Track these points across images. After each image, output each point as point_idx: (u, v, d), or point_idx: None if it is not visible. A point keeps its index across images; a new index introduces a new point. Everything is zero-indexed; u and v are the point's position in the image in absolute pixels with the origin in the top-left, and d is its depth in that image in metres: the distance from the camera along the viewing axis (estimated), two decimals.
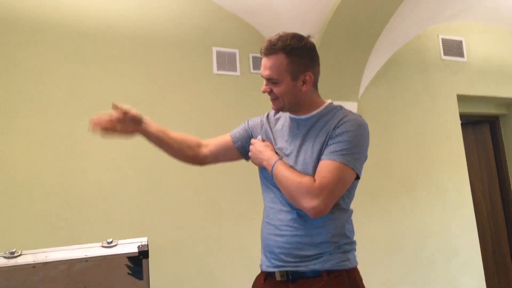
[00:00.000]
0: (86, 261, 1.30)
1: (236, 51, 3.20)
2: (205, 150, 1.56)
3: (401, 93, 3.71)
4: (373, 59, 3.36)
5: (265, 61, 1.36)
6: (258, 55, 3.20)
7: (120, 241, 1.40)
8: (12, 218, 2.45)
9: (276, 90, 1.36)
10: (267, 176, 1.41)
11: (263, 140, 1.46)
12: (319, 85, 1.44)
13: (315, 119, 1.38)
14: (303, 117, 1.40)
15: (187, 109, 2.98)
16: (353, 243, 1.37)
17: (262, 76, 1.38)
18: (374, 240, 3.35)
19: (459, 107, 3.93)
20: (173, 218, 2.82)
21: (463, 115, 4.08)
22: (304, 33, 1.40)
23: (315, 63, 1.38)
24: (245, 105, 3.14)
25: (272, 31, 2.91)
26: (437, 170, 3.71)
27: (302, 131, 1.39)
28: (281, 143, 1.42)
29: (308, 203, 1.24)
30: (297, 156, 1.35)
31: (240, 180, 3.01)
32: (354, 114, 1.37)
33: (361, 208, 3.29)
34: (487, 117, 4.41)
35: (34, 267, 1.26)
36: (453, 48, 3.97)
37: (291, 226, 1.33)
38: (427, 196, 3.63)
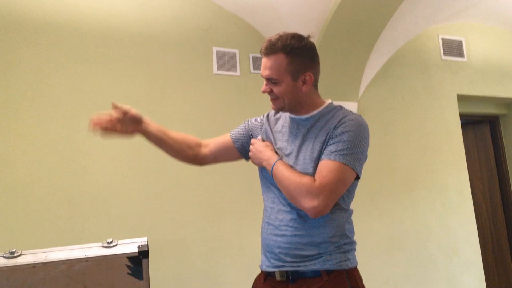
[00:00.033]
0: (86, 261, 1.30)
1: (236, 51, 3.20)
2: (205, 150, 1.56)
3: (401, 93, 3.71)
4: (373, 59, 3.36)
5: (265, 61, 1.36)
6: (258, 55, 3.20)
7: (120, 241, 1.40)
8: (12, 218, 2.45)
9: (276, 90, 1.36)
10: (267, 176, 1.41)
11: (263, 140, 1.46)
12: (319, 85, 1.44)
13: (315, 119, 1.38)
14: (303, 117, 1.40)
15: (187, 109, 2.98)
16: (353, 243, 1.37)
17: (262, 76, 1.38)
18: (375, 239, 3.35)
19: (459, 107, 3.93)
20: (173, 217, 2.82)
21: (463, 115, 4.08)
22: (304, 33, 1.39)
23: (315, 63, 1.38)
24: (245, 105, 3.14)
25: (272, 31, 2.92)
26: (437, 170, 3.71)
27: (302, 131, 1.39)
28: (281, 143, 1.42)
29: (308, 203, 1.24)
30: (297, 156, 1.35)
31: (241, 180, 3.01)
32: (354, 114, 1.37)
33: (361, 208, 3.29)
34: (487, 117, 4.41)
35: (34, 267, 1.27)
36: (453, 48, 3.97)
37: (291, 226, 1.33)
38: (428, 195, 3.63)
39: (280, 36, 1.34)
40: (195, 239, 2.85)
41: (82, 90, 2.73)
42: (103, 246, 1.37)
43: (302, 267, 1.30)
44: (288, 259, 1.32)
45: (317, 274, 1.29)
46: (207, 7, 3.16)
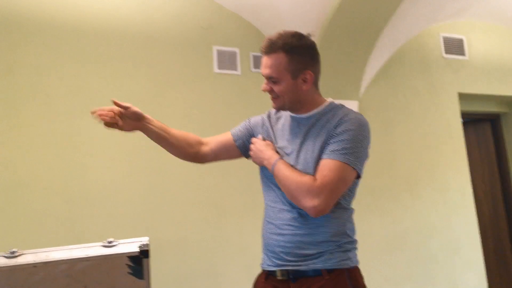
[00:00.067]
0: (87, 260, 1.30)
1: (237, 50, 3.20)
2: (205, 148, 1.55)
3: (402, 91, 3.71)
4: (374, 58, 3.35)
5: (265, 60, 1.35)
6: (259, 54, 3.18)
7: (120, 241, 1.40)
8: (13, 217, 2.45)
9: (276, 89, 1.36)
10: (268, 175, 1.41)
11: (264, 139, 1.46)
12: (320, 83, 1.43)
13: (315, 118, 1.38)
14: (303, 116, 1.40)
15: (187, 108, 2.98)
16: (354, 242, 1.37)
17: (262, 75, 1.38)
18: (376, 238, 3.35)
19: (460, 105, 3.92)
20: (174, 217, 2.82)
21: (465, 114, 4.08)
22: (305, 31, 1.39)
23: (315, 62, 1.38)
24: (246, 104, 3.14)
25: (272, 30, 2.91)
26: (438, 168, 3.71)
27: (302, 130, 1.38)
28: (282, 142, 1.42)
29: (309, 202, 1.24)
30: (297, 155, 1.35)
31: (241, 179, 3.01)
32: (355, 112, 1.36)
33: (362, 207, 3.28)
34: (489, 115, 4.40)
35: (35, 266, 1.27)
36: (454, 46, 3.97)
37: (292, 225, 1.33)
38: (429, 194, 3.63)
39: (280, 35, 1.34)
40: (196, 239, 2.84)
41: (82, 89, 2.73)
42: (103, 246, 1.37)
43: (303, 266, 1.30)
44: (289, 258, 1.31)
45: (318, 273, 1.28)
46: (207, 6, 3.15)
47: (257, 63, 3.21)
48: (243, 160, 1.61)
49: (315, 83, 1.40)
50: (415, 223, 3.53)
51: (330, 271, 1.28)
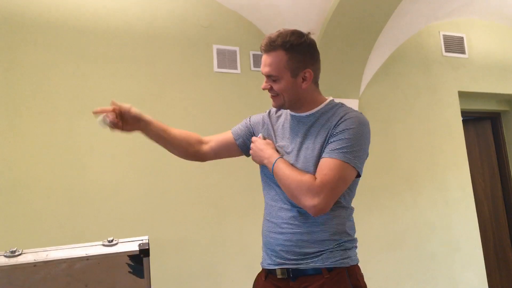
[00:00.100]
0: (87, 259, 1.30)
1: (237, 48, 3.19)
2: (206, 147, 1.55)
3: (402, 90, 3.70)
4: (374, 56, 3.35)
5: (264, 58, 1.35)
6: (259, 52, 3.18)
7: (121, 240, 1.40)
8: (13, 217, 2.46)
9: (276, 87, 1.36)
10: (268, 174, 1.41)
11: (264, 138, 1.45)
12: (320, 82, 1.43)
13: (316, 117, 1.38)
14: (303, 114, 1.40)
15: (187, 107, 2.98)
16: (354, 240, 1.37)
17: (262, 73, 1.38)
18: (376, 236, 3.35)
19: (460, 103, 3.92)
20: (174, 216, 2.82)
21: (465, 112, 4.07)
22: (305, 30, 1.39)
23: (315, 60, 1.38)
24: (246, 103, 3.14)
25: (272, 28, 2.91)
26: (438, 167, 3.71)
27: (303, 128, 1.38)
28: (282, 141, 1.42)
29: (309, 201, 1.24)
30: (298, 154, 1.35)
31: (242, 178, 3.01)
32: (355, 111, 1.36)
33: (363, 205, 3.28)
34: (489, 114, 4.40)
35: (35, 265, 1.27)
36: (454, 44, 3.96)
37: (291, 224, 1.33)
38: (429, 192, 3.63)
39: (280, 33, 1.34)
40: (196, 238, 2.85)
41: (83, 88, 2.73)
42: (104, 245, 1.38)
43: (303, 265, 1.30)
44: (289, 256, 1.32)
45: (318, 271, 1.29)
46: (207, 5, 3.15)
47: (257, 62, 3.21)
48: (243, 160, 1.61)
49: (315, 82, 1.40)
50: (415, 222, 3.53)
51: (330, 270, 1.28)
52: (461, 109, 3.92)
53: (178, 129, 1.54)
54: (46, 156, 2.58)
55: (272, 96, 1.40)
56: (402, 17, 3.27)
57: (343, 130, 1.29)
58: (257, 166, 1.48)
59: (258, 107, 3.03)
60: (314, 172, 1.29)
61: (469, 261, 3.66)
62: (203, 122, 2.97)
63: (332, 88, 3.16)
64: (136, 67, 2.88)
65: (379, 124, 3.52)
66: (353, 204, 1.40)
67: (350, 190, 1.36)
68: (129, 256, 1.32)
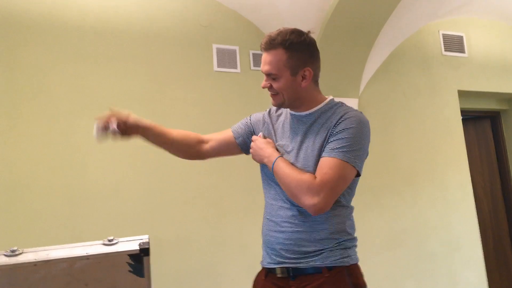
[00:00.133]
0: (87, 259, 1.30)
1: (236, 48, 3.19)
2: (206, 146, 1.56)
3: (402, 89, 3.70)
4: (373, 55, 3.35)
5: (264, 56, 1.36)
6: (259, 52, 3.19)
7: (121, 239, 1.40)
8: (13, 216, 2.46)
9: (275, 85, 1.36)
10: (268, 173, 1.41)
11: (265, 137, 1.46)
12: (320, 81, 1.43)
13: (315, 116, 1.38)
14: (303, 113, 1.40)
15: (187, 107, 2.98)
16: (354, 239, 1.37)
17: (262, 72, 1.38)
18: (376, 236, 3.35)
19: (460, 102, 3.92)
20: (175, 215, 2.82)
21: (464, 111, 4.07)
22: (304, 29, 1.39)
23: (314, 59, 1.38)
24: (246, 102, 3.14)
25: (272, 28, 2.90)
26: (438, 166, 3.71)
27: (302, 127, 1.38)
28: (282, 140, 1.42)
29: (309, 201, 1.24)
30: (297, 153, 1.35)
31: (242, 178, 3.01)
32: (355, 110, 1.36)
33: (362, 204, 3.28)
34: (488, 113, 4.40)
35: (35, 265, 1.27)
36: (454, 43, 3.96)
37: (291, 223, 1.33)
38: (429, 191, 3.63)
39: (280, 32, 1.34)
40: (196, 237, 2.85)
41: (82, 88, 2.73)
42: (104, 244, 1.37)
43: (303, 264, 1.30)
44: (289, 255, 1.32)
45: (317, 270, 1.29)
46: (207, 4, 3.15)
47: (256, 61, 3.21)
48: (243, 159, 1.61)
49: (315, 80, 1.40)
50: (415, 221, 3.53)
51: (330, 269, 1.28)
52: (460, 108, 3.92)
53: (178, 131, 1.54)
54: (46, 156, 2.58)
55: (272, 95, 1.40)
56: (401, 16, 3.27)
57: (343, 129, 1.29)
58: (257, 166, 1.48)
59: (257, 106, 3.03)
60: (314, 171, 1.29)
61: (469, 260, 3.66)
62: (203, 121, 2.97)
63: (331, 87, 3.16)
64: (135, 67, 2.88)
65: (378, 123, 3.52)
66: (353, 203, 1.40)
67: (350, 189, 1.36)
68: (129, 255, 1.32)
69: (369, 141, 1.35)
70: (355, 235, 1.38)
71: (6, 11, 2.62)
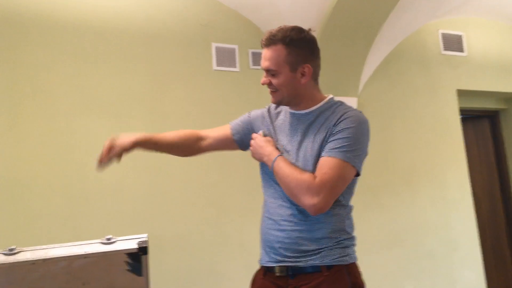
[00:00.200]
0: (86, 257, 1.30)
1: (236, 46, 3.19)
2: (204, 143, 1.57)
3: (401, 88, 3.70)
4: (373, 54, 3.35)
5: (264, 52, 1.36)
6: (258, 50, 3.19)
7: (119, 238, 1.40)
8: (12, 215, 2.45)
9: (275, 81, 1.36)
10: (267, 171, 1.41)
11: (265, 135, 1.46)
12: (319, 80, 1.43)
13: (315, 115, 1.38)
14: (302, 112, 1.40)
15: (186, 105, 2.98)
16: (352, 238, 1.37)
17: (261, 68, 1.38)
18: (374, 235, 3.36)
19: (459, 102, 3.92)
20: (174, 215, 2.82)
21: (463, 110, 4.08)
22: (304, 27, 1.39)
23: (314, 56, 1.38)
24: (245, 100, 3.13)
25: (271, 27, 2.89)
26: (437, 165, 3.71)
27: (302, 126, 1.38)
28: (282, 138, 1.42)
29: (309, 201, 1.24)
30: (297, 152, 1.35)
31: (241, 177, 3.01)
32: (355, 110, 1.36)
33: (361, 203, 3.27)
34: (487, 112, 4.40)
35: (33, 263, 1.27)
36: (453, 42, 3.96)
37: (291, 221, 1.33)
38: (427, 190, 3.63)
39: (281, 28, 1.35)
40: (195, 236, 2.85)
41: (82, 87, 2.72)
42: (102, 243, 1.38)
43: (302, 263, 1.30)
44: (288, 254, 1.32)
45: (317, 269, 1.29)
46: (206, 3, 3.14)
47: (256, 60, 3.20)
48: (243, 159, 1.62)
49: (315, 78, 1.40)
50: (413, 219, 3.53)
51: (329, 267, 1.28)
52: (459, 107, 3.92)
53: (174, 133, 1.56)
54: (46, 155, 2.57)
55: (271, 92, 1.40)
56: (401, 15, 3.27)
57: (343, 129, 1.29)
58: (257, 165, 1.48)
59: (257, 105, 3.02)
60: (313, 171, 1.29)
61: (467, 259, 3.67)
62: (202, 120, 2.96)
63: (330, 86, 3.15)
64: (135, 66, 2.87)
65: (377, 122, 3.52)
66: (352, 203, 1.40)
67: (349, 189, 1.36)
68: (127, 254, 1.32)
69: (368, 141, 1.35)
70: (354, 234, 1.39)
71: (6, 10, 2.61)
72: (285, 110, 1.47)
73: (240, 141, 1.53)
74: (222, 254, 2.89)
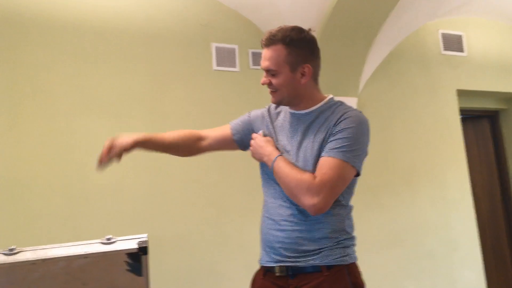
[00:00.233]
0: (85, 257, 1.30)
1: (236, 46, 3.19)
2: (204, 143, 1.57)
3: (401, 88, 3.70)
4: (373, 54, 3.35)
5: (264, 53, 1.36)
6: (258, 50, 3.19)
7: (119, 238, 1.40)
8: (12, 215, 2.45)
9: (274, 81, 1.36)
10: (267, 171, 1.41)
11: (265, 135, 1.45)
12: (319, 80, 1.43)
13: (315, 115, 1.38)
14: (302, 112, 1.40)
15: (186, 105, 2.98)
16: (352, 238, 1.37)
17: (261, 68, 1.38)
18: (374, 235, 3.35)
19: (459, 102, 3.92)
20: (174, 215, 2.82)
21: (463, 110, 4.07)
22: (304, 28, 1.39)
23: (314, 56, 1.38)
24: (245, 101, 3.13)
25: (271, 27, 2.89)
26: (437, 165, 3.71)
27: (302, 126, 1.38)
28: (282, 138, 1.42)
29: (309, 201, 1.24)
30: (297, 152, 1.35)
31: (241, 177, 3.00)
32: (355, 110, 1.36)
33: (361, 203, 3.26)
34: (487, 112, 4.40)
35: (33, 263, 1.27)
36: (453, 42, 3.96)
37: (291, 221, 1.33)
38: (427, 190, 3.63)
39: (281, 28, 1.35)
40: (195, 236, 2.85)
41: (82, 87, 2.72)
42: (102, 243, 1.38)
43: (302, 262, 1.30)
44: (288, 254, 1.32)
45: (317, 269, 1.29)
46: (206, 3, 3.14)
47: (256, 60, 3.20)
48: (242, 159, 1.62)
49: (314, 78, 1.40)
50: (413, 219, 3.53)
51: (329, 267, 1.28)
52: (459, 107, 3.92)
53: (174, 133, 1.55)
54: (46, 155, 2.57)
55: (271, 92, 1.40)
56: (401, 15, 3.27)
57: (343, 129, 1.29)
58: (257, 165, 1.48)
59: (256, 106, 3.02)
60: (313, 171, 1.29)
61: (467, 259, 3.66)
62: (202, 120, 2.96)
63: (330, 86, 3.15)
64: (135, 66, 2.87)
65: (377, 122, 3.52)
66: (352, 203, 1.40)
67: (349, 189, 1.36)
68: (127, 254, 1.32)
69: (368, 141, 1.35)
70: (354, 234, 1.39)
71: (6, 10, 2.61)
72: (285, 110, 1.47)
73: (240, 141, 1.53)
74: (222, 254, 2.89)
